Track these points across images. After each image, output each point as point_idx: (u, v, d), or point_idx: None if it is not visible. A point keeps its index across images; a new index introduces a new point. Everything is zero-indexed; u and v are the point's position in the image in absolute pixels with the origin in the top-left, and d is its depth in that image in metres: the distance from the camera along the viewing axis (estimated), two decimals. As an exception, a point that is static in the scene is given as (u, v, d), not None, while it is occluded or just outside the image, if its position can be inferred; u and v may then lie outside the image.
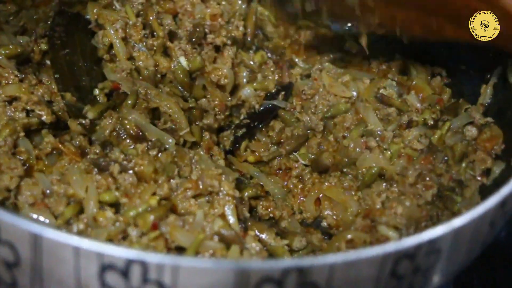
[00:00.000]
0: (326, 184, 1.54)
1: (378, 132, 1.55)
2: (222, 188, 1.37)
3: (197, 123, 1.59)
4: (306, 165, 1.61)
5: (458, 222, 1.11)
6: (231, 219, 1.34)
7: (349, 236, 1.36)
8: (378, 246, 1.05)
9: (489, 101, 1.60)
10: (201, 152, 1.51)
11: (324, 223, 1.51)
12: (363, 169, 1.52)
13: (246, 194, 1.49)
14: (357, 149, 1.54)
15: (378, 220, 1.37)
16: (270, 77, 1.69)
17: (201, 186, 1.37)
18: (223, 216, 1.33)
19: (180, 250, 1.28)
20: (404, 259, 1.07)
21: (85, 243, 1.00)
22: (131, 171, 1.38)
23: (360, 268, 1.05)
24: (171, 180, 1.40)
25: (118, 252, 1.00)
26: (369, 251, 1.05)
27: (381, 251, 1.05)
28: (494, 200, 1.15)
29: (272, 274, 1.01)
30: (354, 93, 1.62)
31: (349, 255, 1.04)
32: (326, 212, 1.52)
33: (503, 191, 1.17)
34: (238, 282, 1.01)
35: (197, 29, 1.64)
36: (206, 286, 1.01)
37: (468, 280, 1.70)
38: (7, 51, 1.53)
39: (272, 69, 1.72)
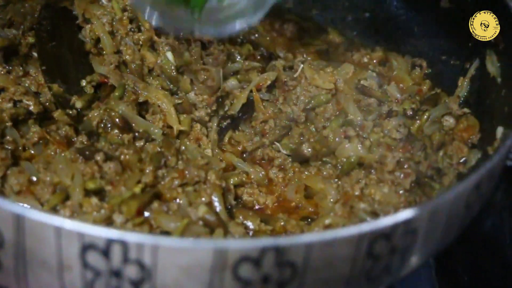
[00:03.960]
0: (306, 173, 1.56)
1: (358, 122, 1.58)
2: (209, 178, 1.40)
3: (184, 115, 1.61)
4: (288, 155, 1.63)
5: (433, 203, 1.14)
6: (218, 207, 1.36)
7: (327, 221, 1.39)
8: (354, 226, 1.07)
9: (465, 93, 1.64)
10: (187, 142, 1.53)
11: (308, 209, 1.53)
12: (343, 158, 1.55)
13: (231, 181, 1.51)
14: (336, 138, 1.56)
15: (356, 206, 1.40)
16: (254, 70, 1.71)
17: (187, 176, 1.40)
18: (210, 204, 1.36)
19: (165, 235, 1.30)
20: (380, 239, 1.09)
21: (67, 223, 1.02)
22: (116, 160, 1.41)
23: (337, 248, 1.06)
24: (158, 170, 1.42)
25: (99, 232, 1.01)
26: (345, 231, 1.07)
27: (356, 230, 1.06)
28: (468, 182, 1.18)
29: (250, 253, 1.02)
30: (336, 84, 1.64)
31: (325, 235, 1.06)
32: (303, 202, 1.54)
33: (478, 174, 1.19)
34: (217, 262, 1.02)
35: (185, 26, 1.67)
36: (186, 266, 1.03)
37: (453, 270, 1.72)
38: (-6, 44, 1.56)
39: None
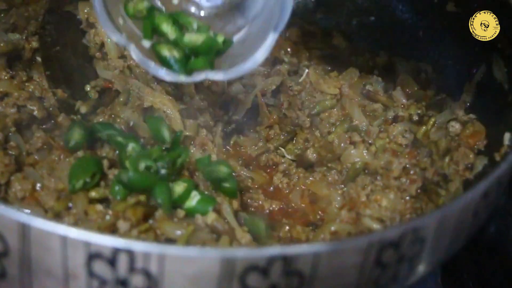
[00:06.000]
0: (311, 179, 1.55)
1: (364, 128, 1.57)
2: None
3: (191, 120, 1.61)
4: (293, 160, 1.62)
5: (441, 211, 1.13)
6: (227, 214, 1.35)
7: (333, 228, 1.38)
8: (362, 235, 1.07)
9: (471, 99, 1.62)
10: (192, 150, 1.52)
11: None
12: (348, 164, 1.54)
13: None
14: (342, 144, 1.56)
15: (362, 213, 1.39)
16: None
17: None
18: (218, 211, 1.35)
19: (171, 243, 1.29)
20: (388, 248, 1.08)
21: (72, 232, 1.01)
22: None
23: (345, 257, 1.06)
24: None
25: (105, 241, 1.00)
26: (353, 240, 1.07)
27: (365, 240, 1.06)
28: (477, 190, 1.17)
29: (257, 262, 1.02)
30: (341, 90, 1.63)
31: (333, 244, 1.06)
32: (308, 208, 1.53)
33: (486, 182, 1.19)
34: (224, 271, 1.01)
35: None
36: (193, 275, 1.02)
37: (458, 275, 1.71)
38: (-2, 48, 1.56)
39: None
